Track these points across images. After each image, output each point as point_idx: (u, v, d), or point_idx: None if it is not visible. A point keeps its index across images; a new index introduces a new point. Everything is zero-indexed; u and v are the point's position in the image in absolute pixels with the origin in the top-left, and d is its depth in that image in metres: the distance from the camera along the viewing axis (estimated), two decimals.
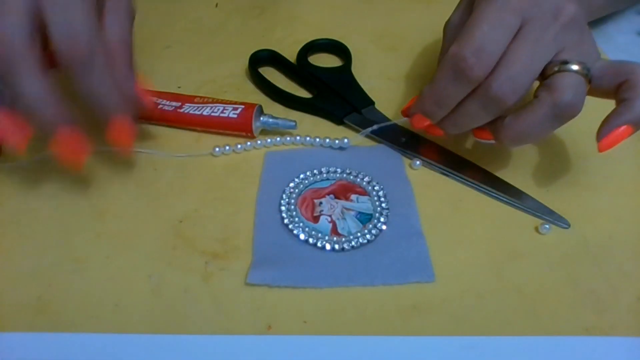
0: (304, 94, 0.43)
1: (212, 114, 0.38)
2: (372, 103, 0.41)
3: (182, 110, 0.39)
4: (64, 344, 0.29)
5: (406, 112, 0.37)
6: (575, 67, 0.31)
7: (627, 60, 0.33)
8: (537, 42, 0.31)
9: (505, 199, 0.35)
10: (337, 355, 0.28)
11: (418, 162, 0.37)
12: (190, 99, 0.39)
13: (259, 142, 0.38)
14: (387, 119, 0.40)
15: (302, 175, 0.36)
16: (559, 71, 0.31)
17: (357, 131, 0.39)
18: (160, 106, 0.39)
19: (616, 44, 0.36)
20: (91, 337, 0.29)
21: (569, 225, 0.34)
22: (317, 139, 0.38)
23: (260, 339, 0.29)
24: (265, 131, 0.39)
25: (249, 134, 0.38)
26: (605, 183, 0.36)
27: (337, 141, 0.38)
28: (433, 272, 0.31)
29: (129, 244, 0.33)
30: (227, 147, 0.38)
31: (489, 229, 0.34)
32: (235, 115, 0.38)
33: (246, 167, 0.37)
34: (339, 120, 0.40)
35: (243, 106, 0.38)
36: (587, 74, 0.31)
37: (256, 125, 0.38)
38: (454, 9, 0.36)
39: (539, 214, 0.34)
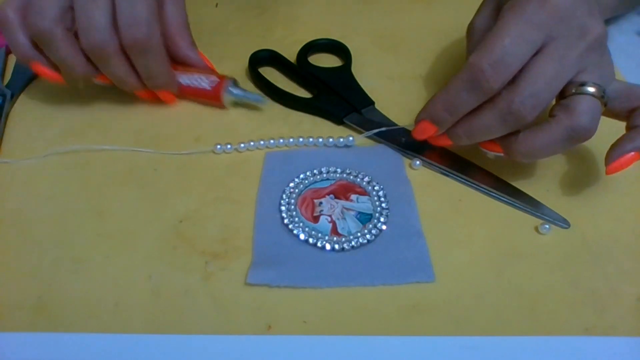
0: (304, 94, 0.43)
1: (189, 83, 0.41)
2: (372, 103, 0.41)
3: None
4: (64, 344, 0.29)
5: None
6: (592, 90, 0.31)
7: (627, 58, 0.33)
8: (562, 61, 0.31)
9: (505, 199, 0.35)
10: (337, 355, 0.28)
11: (418, 162, 0.37)
12: (174, 67, 0.42)
13: (261, 142, 0.38)
14: (387, 119, 0.40)
15: (302, 175, 0.36)
16: (576, 93, 0.31)
17: (357, 131, 0.39)
18: None
19: (616, 44, 0.36)
20: (91, 337, 0.29)
21: (569, 225, 0.34)
22: (320, 139, 0.38)
23: (260, 339, 0.29)
24: (265, 129, 0.39)
25: (219, 104, 0.41)
26: (605, 183, 0.36)
27: (341, 139, 0.38)
28: (433, 272, 0.31)
29: (129, 244, 0.33)
30: (229, 146, 0.38)
31: (489, 229, 0.34)
32: (207, 86, 0.40)
33: (246, 167, 0.37)
34: (339, 120, 0.40)
35: (217, 78, 0.40)
36: (602, 97, 0.31)
37: (226, 97, 0.40)
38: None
39: (539, 214, 0.34)
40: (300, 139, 0.38)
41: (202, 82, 0.40)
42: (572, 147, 0.32)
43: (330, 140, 0.38)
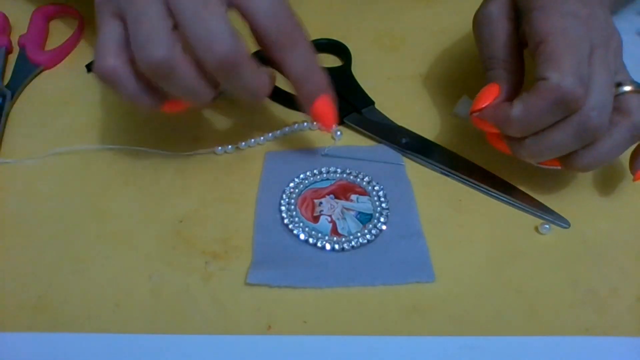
0: None
1: None
2: (372, 103, 0.41)
3: None
4: (64, 344, 0.29)
5: (477, 111, 0.34)
6: (629, 88, 0.31)
7: (628, 58, 0.33)
8: (608, 67, 0.31)
9: (505, 199, 0.35)
10: (337, 355, 0.28)
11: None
12: None
13: (261, 138, 0.38)
14: (387, 119, 0.40)
15: (302, 175, 0.36)
16: (619, 94, 0.31)
17: (357, 131, 0.39)
18: None
19: None
20: (91, 337, 0.29)
21: (569, 225, 0.34)
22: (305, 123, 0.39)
23: (260, 339, 0.29)
24: (266, 129, 0.39)
25: None
26: (605, 183, 0.36)
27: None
28: (433, 272, 0.31)
29: (129, 244, 0.33)
30: (230, 147, 0.38)
31: (489, 229, 0.34)
32: None
33: (246, 167, 0.37)
34: (339, 120, 0.40)
35: None
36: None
37: None
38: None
39: (539, 214, 0.34)
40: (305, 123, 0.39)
41: None
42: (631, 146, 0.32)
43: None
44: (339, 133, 0.38)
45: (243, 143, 0.38)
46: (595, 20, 0.31)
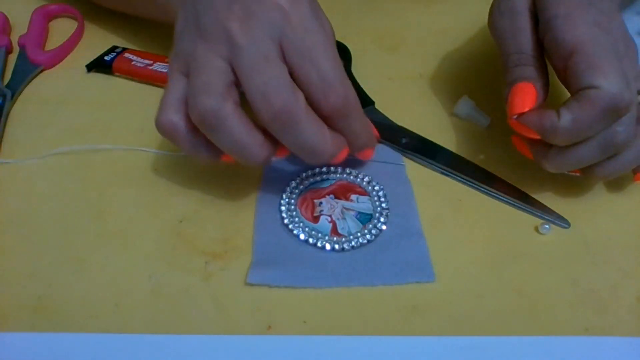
0: None
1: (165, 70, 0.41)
2: (372, 103, 0.41)
3: (151, 68, 0.43)
4: (64, 344, 0.29)
5: (516, 114, 0.32)
6: None
7: None
8: (636, 79, 0.30)
9: (505, 199, 0.35)
10: (337, 355, 0.28)
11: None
12: (162, 58, 0.43)
13: None
14: (387, 119, 0.40)
15: (302, 175, 0.36)
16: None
17: None
18: (133, 62, 0.43)
19: None
20: (91, 337, 0.29)
21: (569, 225, 0.34)
22: None
23: (260, 339, 0.29)
24: None
25: None
26: (605, 183, 0.36)
27: None
28: (433, 272, 0.31)
29: (129, 244, 0.33)
30: None
31: (489, 229, 0.34)
32: None
33: (246, 167, 0.37)
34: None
35: None
36: None
37: None
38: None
39: (539, 214, 0.34)
40: None
41: None
42: None
43: None
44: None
45: None
46: (616, 29, 0.31)
